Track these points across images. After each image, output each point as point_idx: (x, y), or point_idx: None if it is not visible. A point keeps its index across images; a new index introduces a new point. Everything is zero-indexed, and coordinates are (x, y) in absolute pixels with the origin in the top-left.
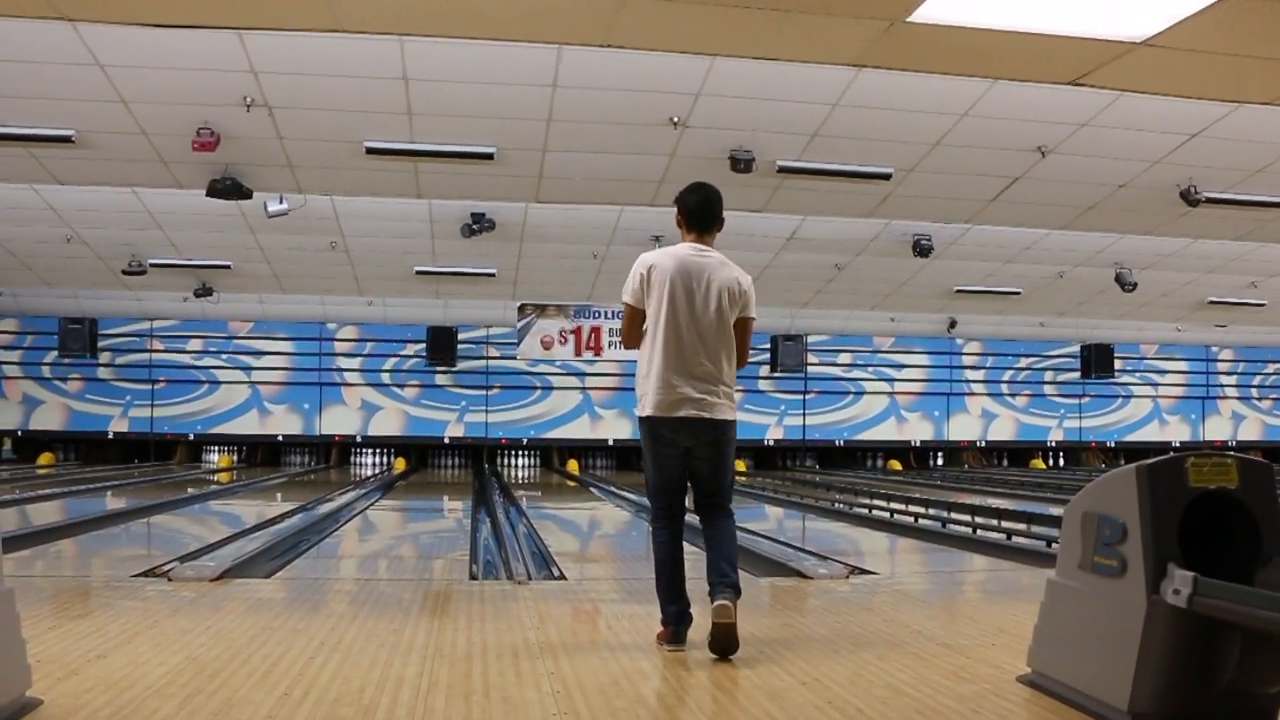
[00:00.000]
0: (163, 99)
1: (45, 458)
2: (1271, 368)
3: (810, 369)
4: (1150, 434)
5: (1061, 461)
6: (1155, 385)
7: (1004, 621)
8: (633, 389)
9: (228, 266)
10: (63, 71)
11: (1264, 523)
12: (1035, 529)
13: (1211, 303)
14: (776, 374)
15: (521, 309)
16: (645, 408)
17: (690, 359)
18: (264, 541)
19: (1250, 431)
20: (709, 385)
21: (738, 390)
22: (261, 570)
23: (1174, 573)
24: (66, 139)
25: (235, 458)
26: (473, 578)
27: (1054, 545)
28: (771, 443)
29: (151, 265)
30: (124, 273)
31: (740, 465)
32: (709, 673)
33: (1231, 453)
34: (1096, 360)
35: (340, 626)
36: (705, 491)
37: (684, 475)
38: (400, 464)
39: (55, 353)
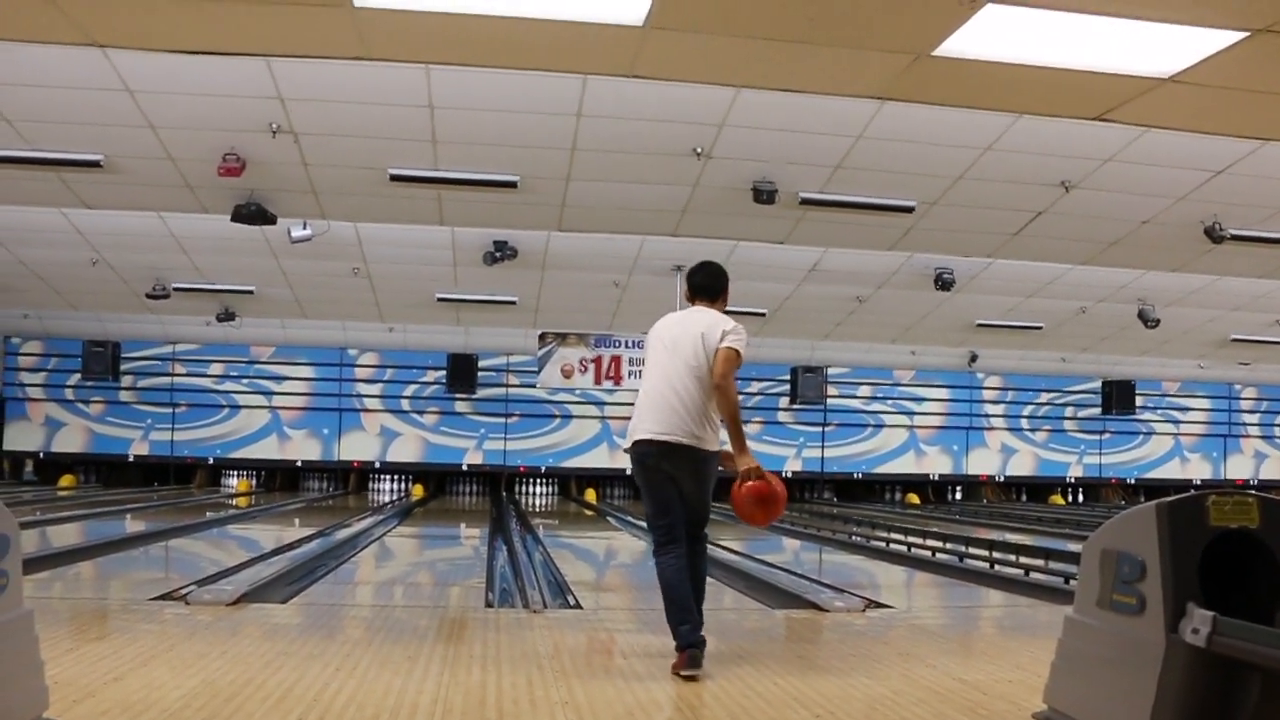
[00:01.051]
0: (190, 125)
1: (66, 480)
2: None
3: (829, 401)
4: (1171, 471)
5: (1081, 498)
6: (1177, 423)
7: (1021, 658)
8: None
9: (250, 291)
10: (92, 97)
11: None
12: (1053, 565)
13: (1235, 340)
14: (796, 406)
15: (542, 337)
16: (627, 440)
17: (663, 396)
18: (281, 566)
19: (1272, 470)
20: (682, 417)
21: (756, 422)
22: (278, 595)
23: (1193, 612)
24: (95, 164)
25: (254, 482)
26: (488, 605)
27: (1072, 582)
28: (789, 475)
29: (175, 289)
30: (148, 296)
31: None
32: (724, 706)
33: (1253, 492)
34: (1118, 396)
35: (356, 652)
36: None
37: (678, 500)
38: (418, 490)
39: (78, 375)
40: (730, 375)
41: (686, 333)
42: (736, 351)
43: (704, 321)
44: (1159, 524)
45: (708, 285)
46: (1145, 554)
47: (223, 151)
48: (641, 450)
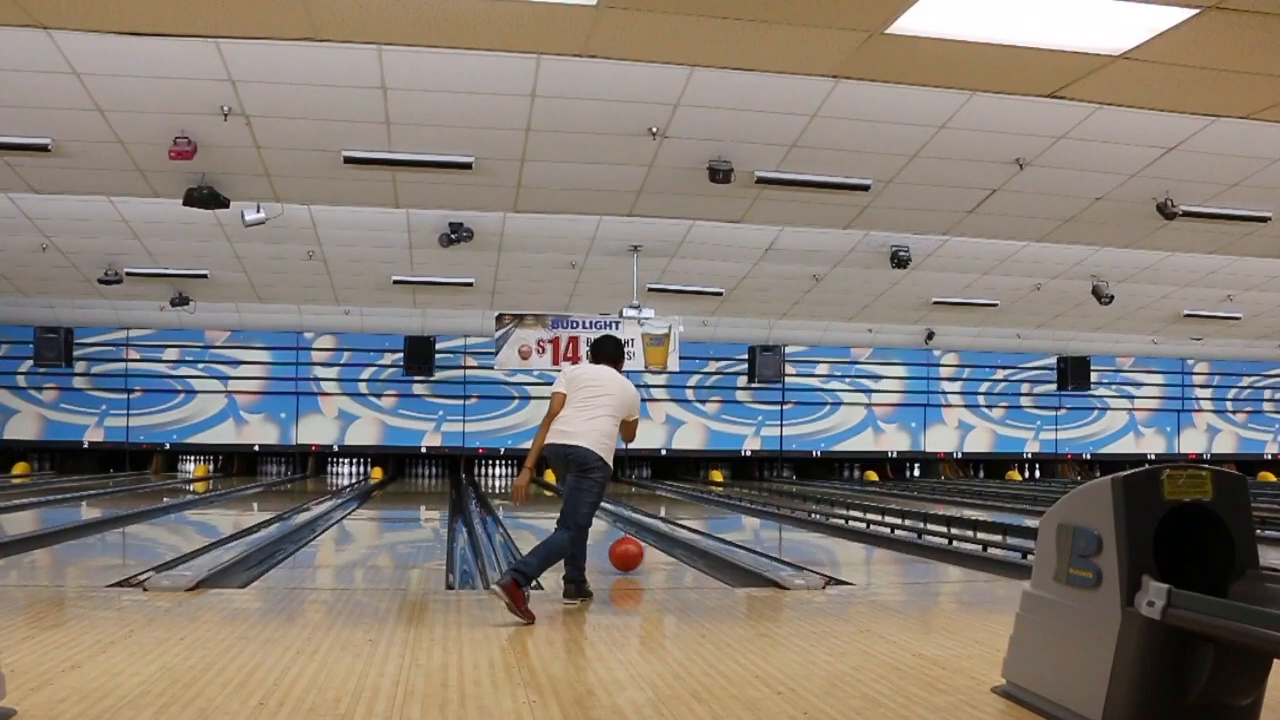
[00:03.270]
0: (139, 107)
1: (20, 467)
2: (1246, 381)
3: (788, 380)
4: (1126, 446)
5: (1038, 473)
6: (1131, 398)
7: (979, 633)
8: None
9: (205, 276)
10: (38, 79)
11: (1238, 536)
12: (1011, 540)
13: (1187, 316)
14: (754, 385)
15: (500, 319)
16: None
17: (575, 410)
18: (240, 551)
19: (1225, 444)
20: (585, 428)
21: (714, 401)
22: (237, 580)
23: (1148, 585)
24: (43, 148)
25: (211, 467)
26: (449, 587)
27: (1029, 557)
28: (749, 453)
29: (128, 274)
30: (100, 282)
31: (717, 475)
32: (685, 684)
33: (1206, 466)
34: (1073, 372)
35: (316, 636)
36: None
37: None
38: (377, 473)
39: (30, 362)
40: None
41: (601, 387)
42: (636, 423)
43: (614, 386)
44: (1114, 498)
45: (616, 354)
46: (1101, 528)
47: (173, 134)
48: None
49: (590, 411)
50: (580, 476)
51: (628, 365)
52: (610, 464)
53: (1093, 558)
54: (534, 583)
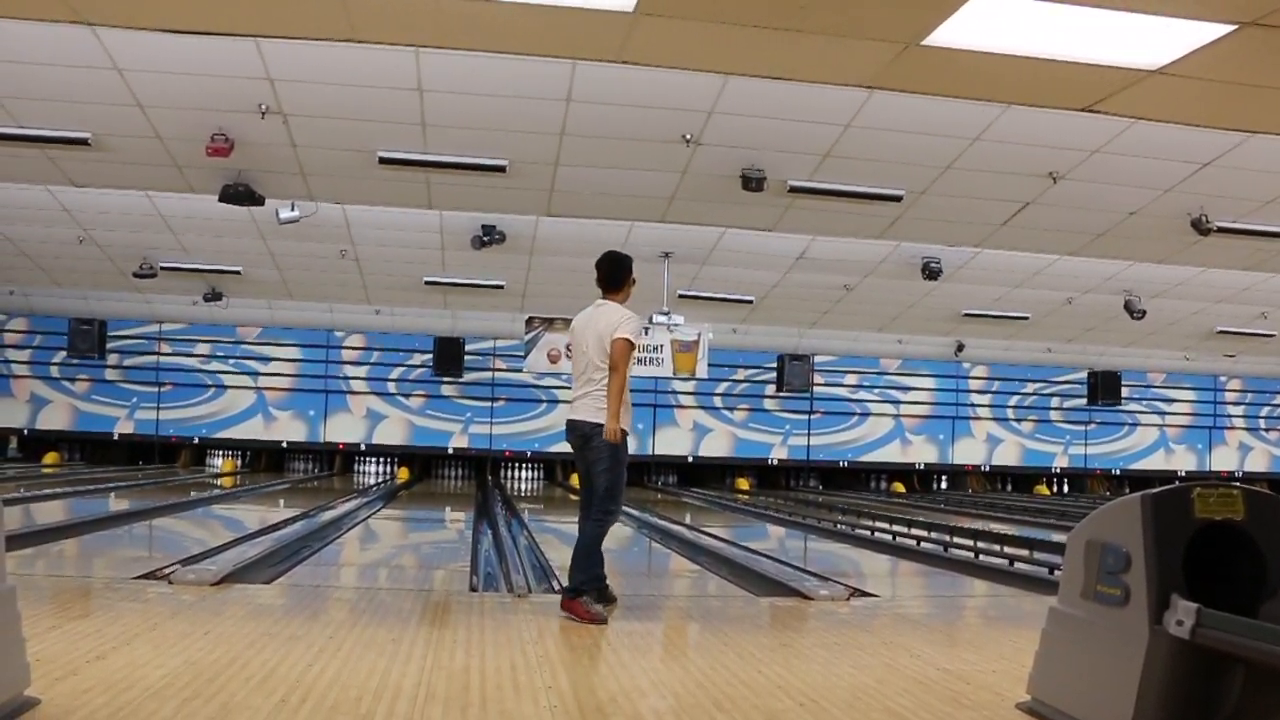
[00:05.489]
0: (178, 104)
1: (50, 457)
2: (1279, 399)
3: (816, 389)
4: (1156, 463)
5: (1066, 488)
6: (1162, 414)
7: (1004, 648)
8: (637, 405)
9: (238, 272)
10: (80, 75)
11: (1269, 555)
12: (1038, 555)
13: (1220, 332)
14: (782, 394)
15: (530, 322)
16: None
17: (574, 385)
18: (265, 547)
19: (1257, 462)
20: (583, 397)
21: (742, 409)
22: (262, 576)
23: (1177, 604)
24: (83, 141)
25: (239, 463)
26: (473, 589)
27: (1056, 572)
28: (775, 462)
29: (162, 268)
30: (134, 275)
31: (744, 484)
32: (708, 693)
33: (1238, 484)
34: (1103, 387)
35: (339, 634)
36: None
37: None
38: (403, 474)
39: (64, 353)
40: (627, 366)
41: (590, 333)
42: (625, 337)
43: (603, 320)
44: (1144, 516)
45: (610, 275)
46: (1130, 545)
47: (211, 131)
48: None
49: (581, 375)
50: (586, 451)
51: (656, 370)
52: (623, 424)
53: (1121, 575)
54: (602, 584)
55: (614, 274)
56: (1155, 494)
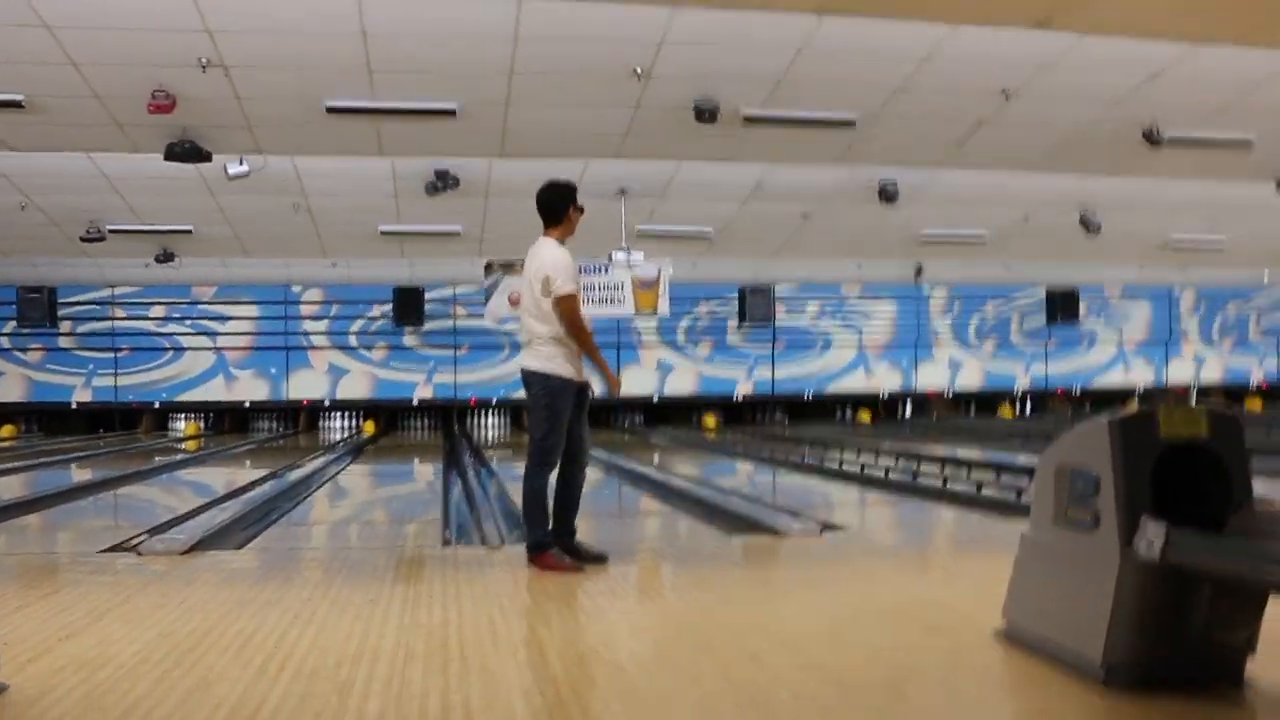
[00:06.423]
0: (115, 60)
1: (7, 430)
2: (1231, 308)
3: (778, 321)
4: (1115, 379)
5: (1029, 409)
6: (1119, 329)
7: (978, 574)
8: (601, 344)
9: (189, 231)
10: (8, 34)
11: (1234, 471)
12: (1004, 479)
13: (1174, 244)
14: (744, 326)
15: (488, 266)
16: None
17: (521, 328)
18: (234, 511)
19: (1212, 372)
20: (526, 344)
21: (706, 344)
22: (233, 541)
23: (1146, 525)
24: (16, 104)
25: (202, 425)
26: (446, 543)
27: (1024, 496)
28: (741, 397)
29: (110, 231)
30: (82, 239)
31: (710, 421)
32: (688, 636)
33: (1202, 402)
34: (1062, 305)
35: (315, 598)
36: None
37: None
38: (369, 427)
39: (14, 323)
40: (578, 318)
41: (529, 271)
42: (565, 296)
43: (536, 260)
44: (1111, 440)
45: (547, 207)
46: (1099, 470)
47: (151, 88)
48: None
49: (524, 320)
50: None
51: (618, 309)
52: (549, 371)
53: (1091, 499)
54: (564, 537)
55: (551, 205)
56: (1122, 418)
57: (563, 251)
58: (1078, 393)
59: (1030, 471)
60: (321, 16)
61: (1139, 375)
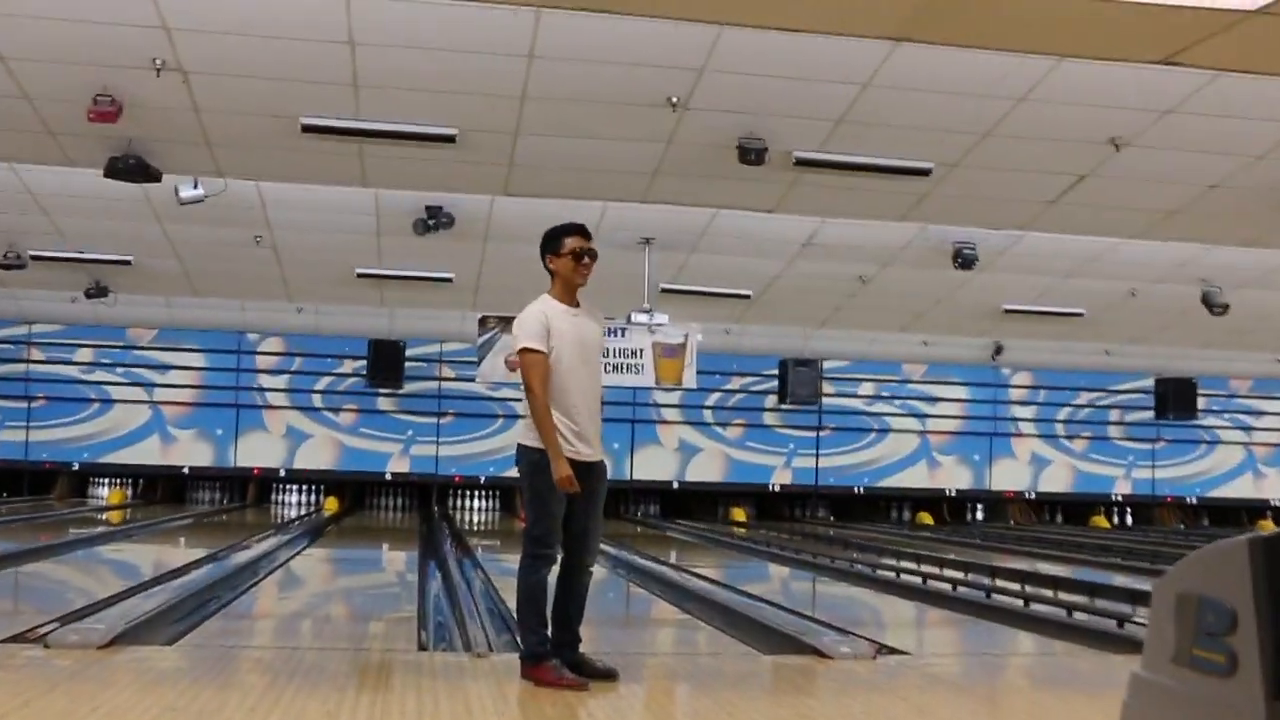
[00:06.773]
0: (51, 57)
1: None
2: None
3: (825, 401)
4: (1242, 489)
5: (1130, 520)
6: (1248, 429)
7: (1062, 718)
8: (611, 420)
9: (128, 262)
10: None
11: None
12: (1099, 602)
13: None
14: (785, 406)
15: (483, 322)
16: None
17: None
18: (165, 599)
19: None
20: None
21: (737, 424)
22: (161, 635)
23: None
24: None
25: (130, 493)
26: (421, 647)
27: (1125, 626)
28: (777, 488)
29: (32, 258)
30: None
31: (739, 514)
32: None
33: None
34: (1175, 397)
35: (260, 708)
36: None
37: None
38: (332, 504)
39: None
40: (532, 379)
41: None
42: (522, 350)
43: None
44: (1252, 563)
45: (544, 246)
46: (1235, 600)
47: (93, 92)
48: None
49: None
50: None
51: (635, 379)
52: (530, 443)
53: (1224, 637)
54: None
55: (541, 256)
56: (1266, 537)
57: (537, 303)
58: (1193, 503)
59: (1132, 595)
60: (302, 18)
61: (1272, 486)
